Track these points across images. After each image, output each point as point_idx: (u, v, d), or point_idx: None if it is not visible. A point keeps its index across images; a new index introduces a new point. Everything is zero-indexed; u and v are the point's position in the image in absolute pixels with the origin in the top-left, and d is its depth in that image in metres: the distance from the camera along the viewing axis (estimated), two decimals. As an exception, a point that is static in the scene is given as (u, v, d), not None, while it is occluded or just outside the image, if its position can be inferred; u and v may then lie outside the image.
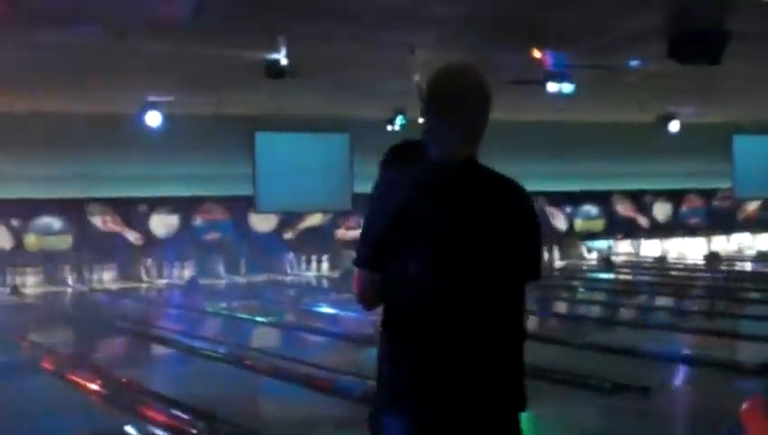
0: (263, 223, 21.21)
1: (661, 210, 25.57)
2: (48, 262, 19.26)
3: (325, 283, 20.24)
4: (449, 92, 2.85)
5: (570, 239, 24.52)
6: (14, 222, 19.08)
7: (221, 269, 20.51)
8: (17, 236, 19.13)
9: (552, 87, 14.39)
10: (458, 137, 2.84)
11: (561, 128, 21.25)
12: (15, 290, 18.33)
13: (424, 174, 2.78)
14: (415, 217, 2.67)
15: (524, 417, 2.86)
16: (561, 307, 15.45)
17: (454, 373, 2.64)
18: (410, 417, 2.69)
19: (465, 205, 2.72)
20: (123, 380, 8.67)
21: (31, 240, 19.22)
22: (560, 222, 24.58)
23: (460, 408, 2.63)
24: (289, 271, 21.25)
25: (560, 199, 24.29)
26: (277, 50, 12.01)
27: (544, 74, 14.22)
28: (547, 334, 11.37)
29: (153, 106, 16.62)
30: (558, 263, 23.44)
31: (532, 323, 13.41)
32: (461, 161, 2.82)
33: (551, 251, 23.71)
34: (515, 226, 2.78)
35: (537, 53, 13.32)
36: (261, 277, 20.14)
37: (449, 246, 2.67)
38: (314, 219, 21.81)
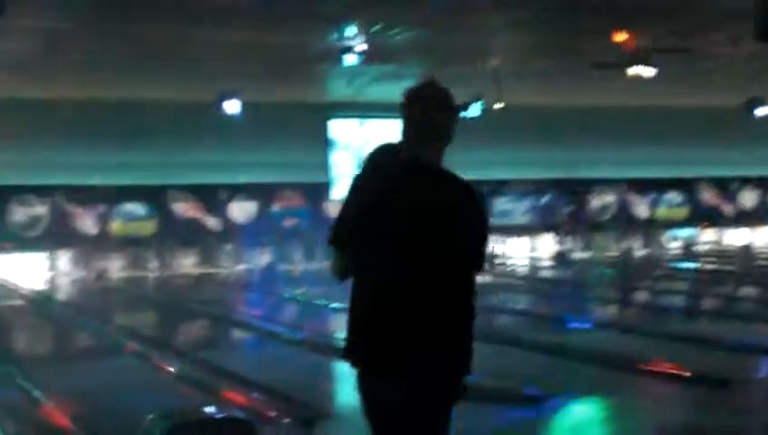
0: (339, 209, 21.23)
1: (748, 198, 24.93)
2: (132, 248, 19.69)
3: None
4: (411, 100, 3.26)
5: (652, 228, 24.04)
6: (100, 209, 19.58)
7: (298, 255, 20.67)
8: (102, 222, 19.61)
9: (634, 70, 14.11)
10: (415, 137, 3.22)
11: (645, 113, 20.86)
12: (101, 275, 18.78)
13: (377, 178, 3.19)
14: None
15: (604, 406, 2.90)
16: (642, 297, 15.20)
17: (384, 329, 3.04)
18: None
19: (404, 198, 3.09)
20: (203, 361, 8.83)
21: (115, 227, 19.69)
22: (641, 210, 24.15)
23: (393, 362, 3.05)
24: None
25: (642, 187, 23.87)
26: (352, 37, 12.02)
27: (627, 58, 13.96)
28: (628, 324, 11.26)
29: (231, 94, 16.82)
30: (640, 252, 23.01)
31: (613, 312, 13.30)
32: (411, 162, 3.18)
33: (631, 240, 23.33)
34: (451, 215, 3.09)
35: (620, 36, 13.09)
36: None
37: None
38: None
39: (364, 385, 3.16)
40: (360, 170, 3.31)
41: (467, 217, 3.16)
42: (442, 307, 3.08)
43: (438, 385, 3.11)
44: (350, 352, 3.17)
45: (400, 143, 3.26)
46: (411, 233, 3.06)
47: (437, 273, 3.05)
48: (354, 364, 3.16)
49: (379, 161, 3.27)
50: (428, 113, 3.24)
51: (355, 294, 3.17)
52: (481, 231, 3.19)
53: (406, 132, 3.24)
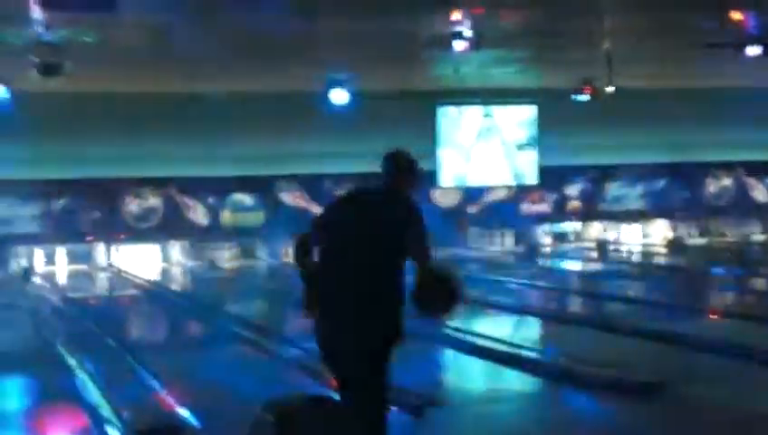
0: (446, 198, 21.26)
1: None
2: (242, 237, 20.06)
3: (510, 257, 20.09)
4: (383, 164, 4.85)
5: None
6: (211, 200, 20.02)
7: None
8: (213, 213, 20.05)
9: (752, 51, 13.62)
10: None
11: (761, 94, 20.15)
12: (212, 264, 19.18)
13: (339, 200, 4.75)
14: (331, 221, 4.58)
15: (722, 395, 2.79)
16: (761, 283, 14.73)
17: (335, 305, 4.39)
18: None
19: (356, 212, 4.54)
20: (313, 349, 8.90)
21: (226, 217, 20.10)
22: (760, 194, 23.41)
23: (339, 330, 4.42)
24: (473, 246, 21.18)
25: (759, 170, 23.12)
26: (460, 22, 11.93)
27: (743, 37, 13.50)
28: (746, 311, 10.94)
29: (338, 83, 16.92)
30: (758, 237, 22.27)
31: (731, 299, 12.90)
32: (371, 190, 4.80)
33: (749, 225, 22.63)
34: (392, 223, 4.46)
35: (736, 15, 12.66)
36: (444, 252, 20.14)
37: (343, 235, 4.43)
38: (498, 194, 21.67)
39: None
40: (334, 202, 4.75)
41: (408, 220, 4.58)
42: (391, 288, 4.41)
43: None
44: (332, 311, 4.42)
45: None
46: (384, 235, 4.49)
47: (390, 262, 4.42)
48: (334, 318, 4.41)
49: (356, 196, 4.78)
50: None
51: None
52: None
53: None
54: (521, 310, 11.95)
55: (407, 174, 4.80)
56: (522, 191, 21.78)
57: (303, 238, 4.55)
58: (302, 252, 4.52)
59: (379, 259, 4.34)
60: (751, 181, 23.39)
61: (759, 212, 23.21)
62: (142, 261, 19.39)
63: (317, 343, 4.53)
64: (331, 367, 4.50)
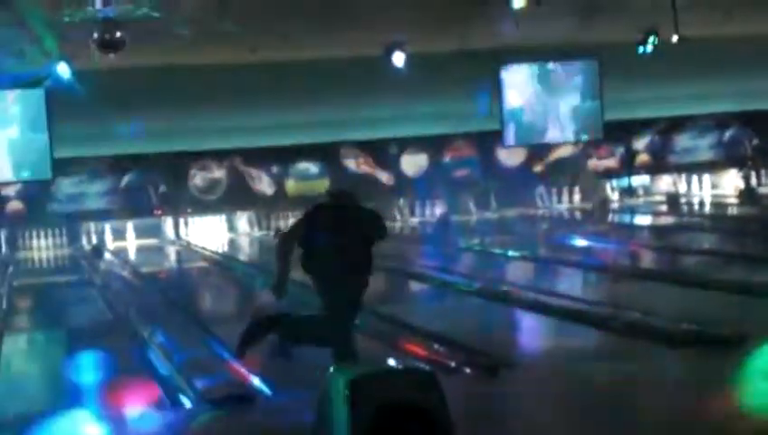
0: (511, 157, 21.09)
1: None
2: (307, 205, 20.06)
3: (577, 214, 19.88)
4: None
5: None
6: (275, 169, 20.09)
7: (471, 205, 20.58)
8: (278, 182, 20.12)
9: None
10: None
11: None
12: (279, 233, 19.23)
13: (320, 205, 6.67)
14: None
15: None
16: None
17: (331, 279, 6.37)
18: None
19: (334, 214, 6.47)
20: (383, 314, 8.89)
21: (290, 186, 20.17)
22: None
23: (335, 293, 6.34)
24: (540, 204, 21.02)
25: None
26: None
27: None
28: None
29: (397, 46, 16.78)
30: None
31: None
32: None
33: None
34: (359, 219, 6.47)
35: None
36: (512, 212, 20.06)
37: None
38: (564, 150, 21.40)
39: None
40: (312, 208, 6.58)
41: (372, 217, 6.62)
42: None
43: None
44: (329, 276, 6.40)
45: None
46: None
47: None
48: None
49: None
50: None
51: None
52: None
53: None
54: (591, 267, 11.79)
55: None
56: (588, 147, 21.48)
57: (287, 237, 6.51)
58: (287, 247, 6.37)
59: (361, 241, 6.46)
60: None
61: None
62: (210, 233, 19.58)
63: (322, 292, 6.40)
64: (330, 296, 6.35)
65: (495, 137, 20.60)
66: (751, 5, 16.08)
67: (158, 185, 19.70)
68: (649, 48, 17.81)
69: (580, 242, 14.63)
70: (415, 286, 11.97)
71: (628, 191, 21.84)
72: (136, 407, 6.36)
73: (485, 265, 13.23)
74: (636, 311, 8.05)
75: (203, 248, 17.63)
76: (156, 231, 19.70)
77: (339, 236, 6.38)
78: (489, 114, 19.98)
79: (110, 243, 19.09)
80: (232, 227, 20.07)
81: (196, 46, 15.72)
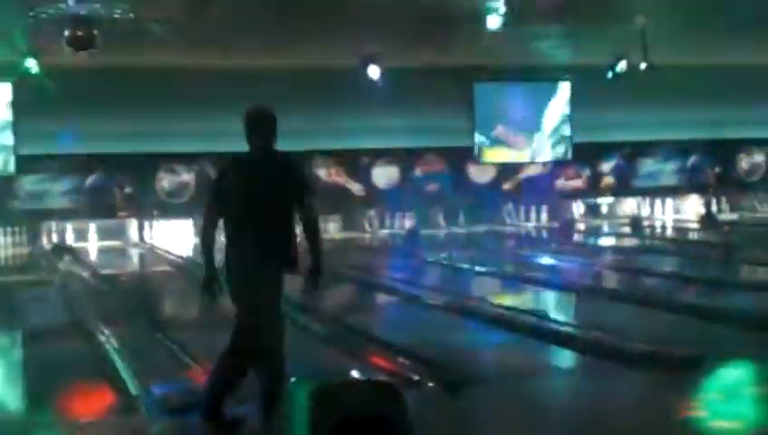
0: (481, 174, 21.21)
1: None
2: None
3: (545, 233, 20.00)
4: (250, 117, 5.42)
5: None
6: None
7: (441, 219, 20.67)
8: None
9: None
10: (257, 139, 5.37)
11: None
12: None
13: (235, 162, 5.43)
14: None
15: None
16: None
17: (248, 250, 5.17)
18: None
19: (252, 173, 5.24)
20: (348, 326, 8.87)
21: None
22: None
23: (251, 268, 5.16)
24: (508, 221, 21.15)
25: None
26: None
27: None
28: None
29: (373, 59, 16.82)
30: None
31: (761, 274, 12.73)
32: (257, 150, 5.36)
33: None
34: (282, 179, 5.23)
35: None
36: (480, 228, 20.14)
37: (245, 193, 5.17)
38: (534, 169, 21.56)
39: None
40: (222, 170, 5.39)
41: (296, 178, 5.40)
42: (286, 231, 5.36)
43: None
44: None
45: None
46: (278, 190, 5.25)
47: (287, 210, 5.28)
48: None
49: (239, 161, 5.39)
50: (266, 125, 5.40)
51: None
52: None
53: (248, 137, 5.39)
54: (555, 285, 11.85)
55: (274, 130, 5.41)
56: (556, 167, 21.65)
57: (204, 219, 5.34)
58: (207, 235, 5.35)
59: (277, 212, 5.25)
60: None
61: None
62: (175, 237, 19.44)
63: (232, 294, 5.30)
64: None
65: (467, 153, 20.70)
66: (718, 36, 16.33)
67: (123, 186, 19.53)
68: (619, 73, 18.04)
69: (546, 260, 14.72)
70: (381, 298, 11.96)
71: (594, 212, 22.05)
72: (90, 413, 6.27)
73: (452, 280, 13.25)
74: (597, 330, 8.11)
75: (167, 252, 17.48)
76: (120, 233, 19.53)
77: (251, 206, 5.12)
78: (463, 130, 20.10)
79: (72, 243, 18.89)
80: (198, 232, 19.90)
81: (170, 48, 15.64)
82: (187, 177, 19.89)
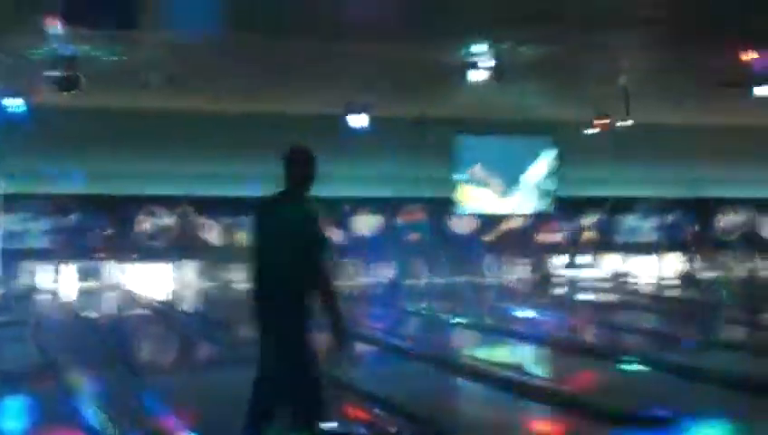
0: (463, 225, 21.26)
1: None
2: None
3: (524, 286, 20.02)
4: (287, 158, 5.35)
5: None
6: (226, 220, 19.95)
7: (422, 270, 20.67)
8: (229, 233, 19.97)
9: (761, 90, 13.76)
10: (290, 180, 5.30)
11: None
12: (226, 285, 19.04)
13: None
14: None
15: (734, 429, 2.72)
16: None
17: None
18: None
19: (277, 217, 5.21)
20: (325, 375, 8.80)
21: (242, 237, 20.01)
22: (768, 230, 23.44)
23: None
24: (488, 273, 21.16)
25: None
26: (482, 52, 11.98)
27: (754, 77, 13.60)
28: (754, 345, 10.87)
29: (360, 108, 16.92)
30: (765, 272, 22.31)
31: (741, 333, 12.80)
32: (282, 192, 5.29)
33: (757, 260, 22.70)
34: (300, 224, 5.09)
35: (746, 56, 12.77)
36: (460, 278, 20.14)
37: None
38: (514, 222, 21.64)
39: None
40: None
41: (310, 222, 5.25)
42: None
43: None
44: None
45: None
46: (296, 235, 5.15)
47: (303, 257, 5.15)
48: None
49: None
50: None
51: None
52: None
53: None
54: (533, 339, 11.84)
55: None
56: (537, 221, 21.74)
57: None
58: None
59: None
60: (760, 217, 23.42)
61: (766, 247, 23.22)
62: (154, 280, 19.33)
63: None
64: None
65: (448, 203, 20.79)
66: (698, 97, 16.58)
67: (104, 227, 19.45)
68: (601, 130, 18.22)
69: (525, 313, 14.71)
70: (361, 348, 11.89)
71: (574, 267, 22.11)
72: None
73: (433, 330, 13.22)
74: (573, 385, 8.10)
75: (145, 295, 17.37)
76: (98, 274, 19.40)
77: (277, 249, 5.10)
78: (444, 180, 20.21)
79: (50, 283, 18.74)
80: (178, 276, 19.86)
81: (155, 91, 15.70)
82: (168, 220, 19.83)
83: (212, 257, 19.84)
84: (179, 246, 19.76)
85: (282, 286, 5.10)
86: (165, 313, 15.54)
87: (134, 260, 19.57)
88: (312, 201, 5.28)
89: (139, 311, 16.00)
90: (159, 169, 18.56)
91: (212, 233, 19.98)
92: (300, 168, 5.30)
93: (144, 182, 18.90)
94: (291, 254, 5.05)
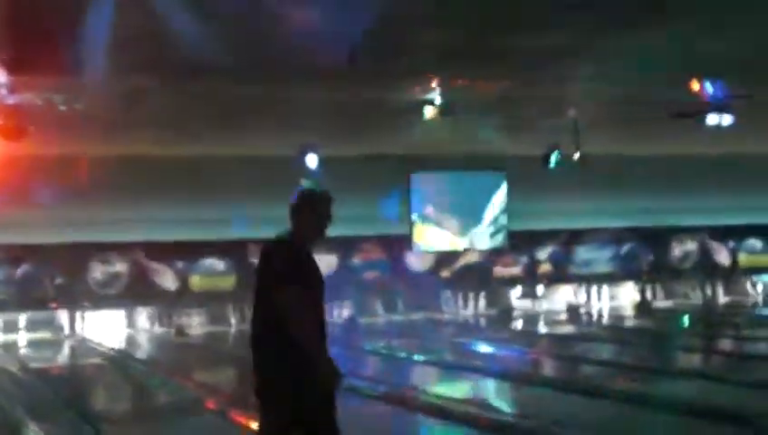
0: (419, 262, 21.28)
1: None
2: (212, 302, 19.79)
3: (482, 321, 20.04)
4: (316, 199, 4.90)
5: (733, 275, 23.59)
6: (180, 264, 19.76)
7: (379, 307, 20.64)
8: (182, 277, 19.78)
9: (711, 119, 14.01)
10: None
11: (722, 161, 20.52)
12: (180, 331, 18.86)
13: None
14: None
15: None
16: (724, 345, 14.83)
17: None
18: None
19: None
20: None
21: (195, 281, 19.84)
22: (723, 257, 23.68)
23: None
24: (446, 309, 21.18)
25: (722, 234, 23.46)
26: (432, 90, 12.05)
27: (704, 106, 13.84)
28: (711, 373, 10.95)
29: (310, 149, 16.93)
30: (722, 299, 22.63)
31: (695, 361, 12.93)
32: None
33: (713, 288, 23.00)
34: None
35: (696, 85, 12.99)
36: (418, 315, 20.13)
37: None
38: (470, 257, 21.69)
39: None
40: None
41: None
42: None
43: None
44: None
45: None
46: None
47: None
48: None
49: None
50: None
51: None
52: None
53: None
54: (492, 373, 11.83)
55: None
56: (493, 255, 21.83)
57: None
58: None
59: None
60: (714, 245, 23.69)
61: (723, 275, 23.51)
62: (107, 328, 19.05)
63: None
64: None
65: (404, 241, 20.80)
66: (649, 128, 16.79)
67: (54, 276, 19.16)
68: (553, 163, 18.35)
69: (483, 348, 14.71)
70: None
71: (531, 299, 22.20)
72: None
73: (390, 369, 13.16)
74: (534, 418, 8.10)
75: (99, 344, 17.11)
76: (50, 324, 19.07)
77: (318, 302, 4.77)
78: (398, 218, 20.19)
79: (1, 335, 18.40)
80: (131, 323, 19.60)
81: (102, 137, 15.55)
82: (119, 266, 19.58)
83: (166, 303, 19.62)
84: (132, 293, 19.51)
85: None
86: (118, 361, 15.31)
87: (87, 308, 19.27)
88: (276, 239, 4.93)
89: (93, 360, 15.73)
90: (110, 216, 18.32)
91: (165, 278, 19.76)
92: (321, 222, 5.02)
93: (94, 228, 18.64)
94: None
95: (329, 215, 4.87)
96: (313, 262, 4.85)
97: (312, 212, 4.84)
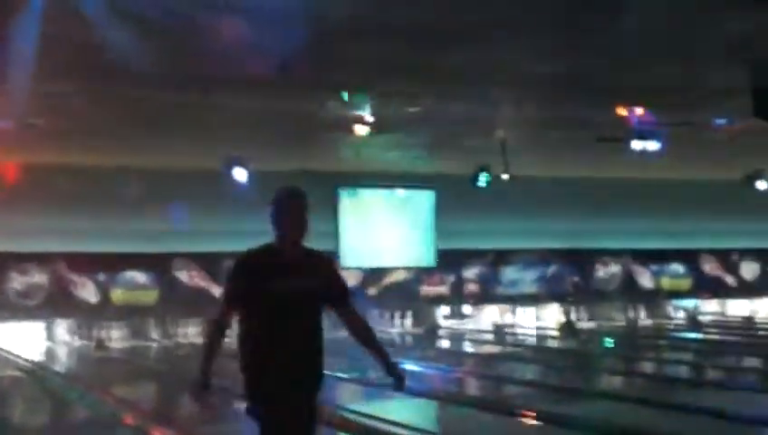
0: (346, 278, 21.21)
1: (749, 269, 24.93)
2: (133, 316, 19.47)
3: (409, 339, 20.05)
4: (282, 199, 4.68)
5: (656, 298, 24.04)
6: (101, 277, 19.40)
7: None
8: (103, 290, 19.43)
9: (636, 144, 14.25)
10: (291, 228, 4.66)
11: (647, 186, 20.93)
12: (100, 344, 18.52)
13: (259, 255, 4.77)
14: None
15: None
16: (646, 367, 15.04)
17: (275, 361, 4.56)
18: None
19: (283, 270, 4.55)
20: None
21: (117, 295, 19.50)
22: (646, 281, 24.11)
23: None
24: (372, 326, 21.11)
25: (645, 258, 23.89)
26: (361, 106, 12.06)
27: (630, 132, 14.07)
28: (633, 394, 11.09)
29: (238, 162, 16.79)
30: (643, 322, 23.01)
31: (618, 383, 13.10)
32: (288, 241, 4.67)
33: (636, 310, 23.37)
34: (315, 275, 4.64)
35: (622, 111, 13.20)
36: (344, 333, 20.02)
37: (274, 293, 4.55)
38: (398, 275, 21.71)
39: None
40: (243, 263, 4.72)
41: (330, 271, 5.08)
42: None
43: None
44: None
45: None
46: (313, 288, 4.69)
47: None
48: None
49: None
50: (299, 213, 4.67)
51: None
52: None
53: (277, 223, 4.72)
54: (416, 392, 11.80)
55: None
56: (420, 273, 21.87)
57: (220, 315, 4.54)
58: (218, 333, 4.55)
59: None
60: (637, 268, 24.10)
61: (645, 298, 23.92)
62: (26, 340, 18.61)
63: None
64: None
65: (332, 257, 20.74)
66: (575, 150, 17.04)
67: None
68: (481, 183, 18.50)
69: (409, 367, 14.68)
70: (241, 406, 11.62)
71: (458, 319, 22.29)
72: None
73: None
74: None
75: (17, 356, 16.70)
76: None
77: (281, 309, 4.54)
78: (327, 234, 20.14)
79: None
80: (50, 335, 19.17)
81: (23, 146, 15.23)
82: (39, 277, 19.15)
83: (86, 315, 19.24)
84: (52, 305, 19.09)
85: None
86: (36, 373, 14.96)
87: (5, 319, 18.80)
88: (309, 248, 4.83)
89: (9, 372, 15.34)
90: (30, 226, 17.94)
91: (86, 290, 19.39)
92: (294, 222, 4.75)
93: (13, 238, 18.23)
94: (307, 312, 4.86)
95: (302, 210, 4.66)
96: (302, 265, 4.66)
97: (283, 213, 4.68)
